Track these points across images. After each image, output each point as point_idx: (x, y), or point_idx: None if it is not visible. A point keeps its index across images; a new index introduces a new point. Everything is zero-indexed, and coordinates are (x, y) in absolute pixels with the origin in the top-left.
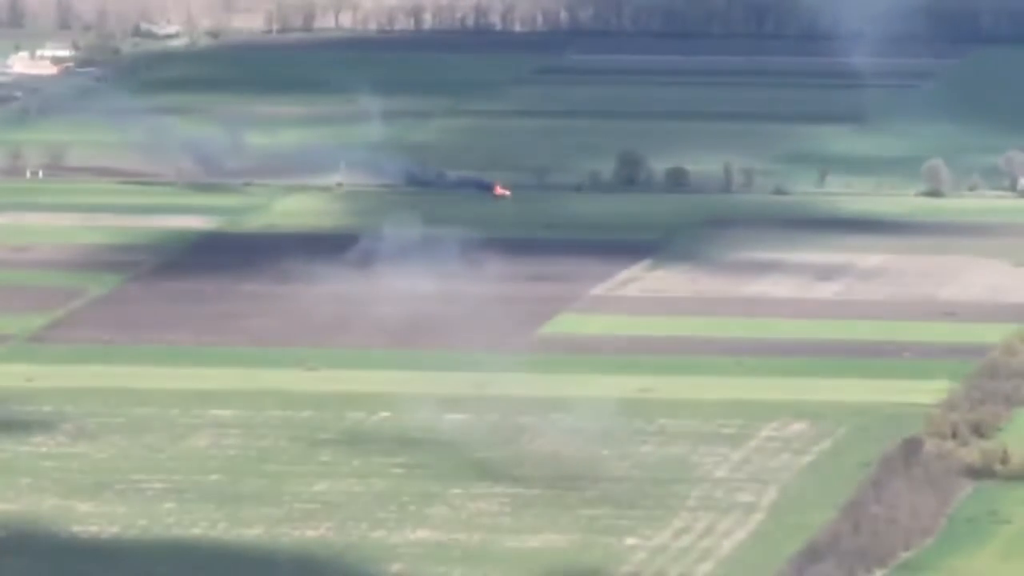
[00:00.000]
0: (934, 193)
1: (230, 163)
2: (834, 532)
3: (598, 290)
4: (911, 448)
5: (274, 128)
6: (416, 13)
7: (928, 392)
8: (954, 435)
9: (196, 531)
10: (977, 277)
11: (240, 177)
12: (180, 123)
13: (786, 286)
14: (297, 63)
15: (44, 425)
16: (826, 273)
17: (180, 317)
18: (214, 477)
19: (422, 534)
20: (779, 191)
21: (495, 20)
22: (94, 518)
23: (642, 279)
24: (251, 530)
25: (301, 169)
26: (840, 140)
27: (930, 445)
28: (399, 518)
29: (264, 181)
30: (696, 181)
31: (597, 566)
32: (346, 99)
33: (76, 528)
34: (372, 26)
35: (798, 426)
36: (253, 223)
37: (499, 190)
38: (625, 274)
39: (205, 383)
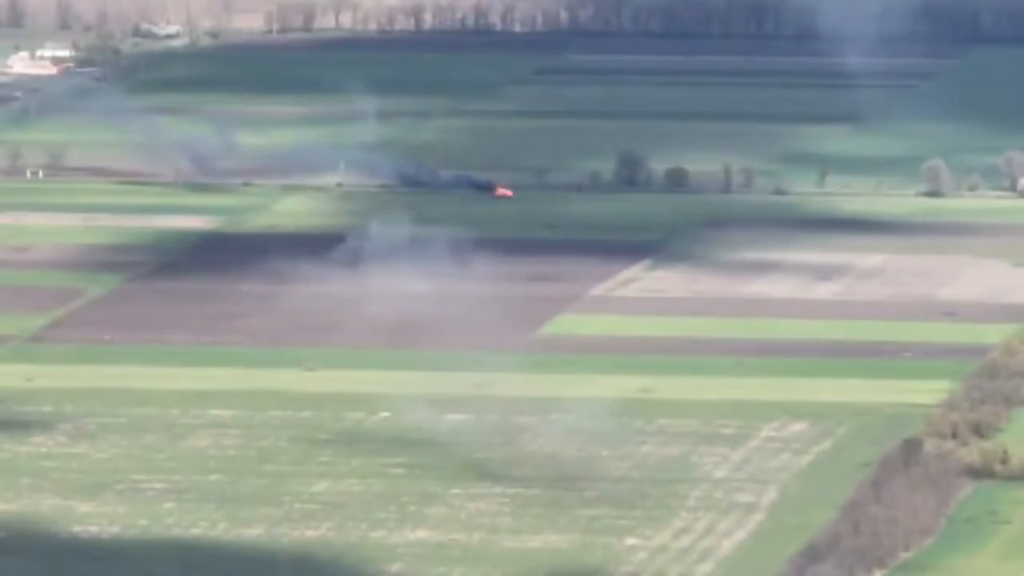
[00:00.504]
0: (934, 193)
1: (225, 163)
2: (834, 532)
3: (598, 290)
4: (911, 448)
5: (273, 128)
6: (416, 13)
7: (928, 392)
8: (954, 435)
9: (196, 531)
10: (977, 277)
11: (237, 177)
12: (179, 124)
13: (786, 286)
14: (297, 63)
15: (44, 425)
16: (826, 273)
17: (180, 317)
18: (214, 477)
19: (422, 534)
20: (779, 191)
21: (495, 20)
22: (94, 518)
23: (642, 279)
24: (251, 530)
25: (295, 169)
26: (840, 140)
27: (930, 445)
28: (399, 518)
29: (264, 181)
30: (696, 181)
31: (597, 566)
32: (345, 99)
33: (76, 528)
34: (372, 26)
35: (798, 426)
36: (253, 223)
37: (501, 190)
38: (625, 274)
39: (205, 383)
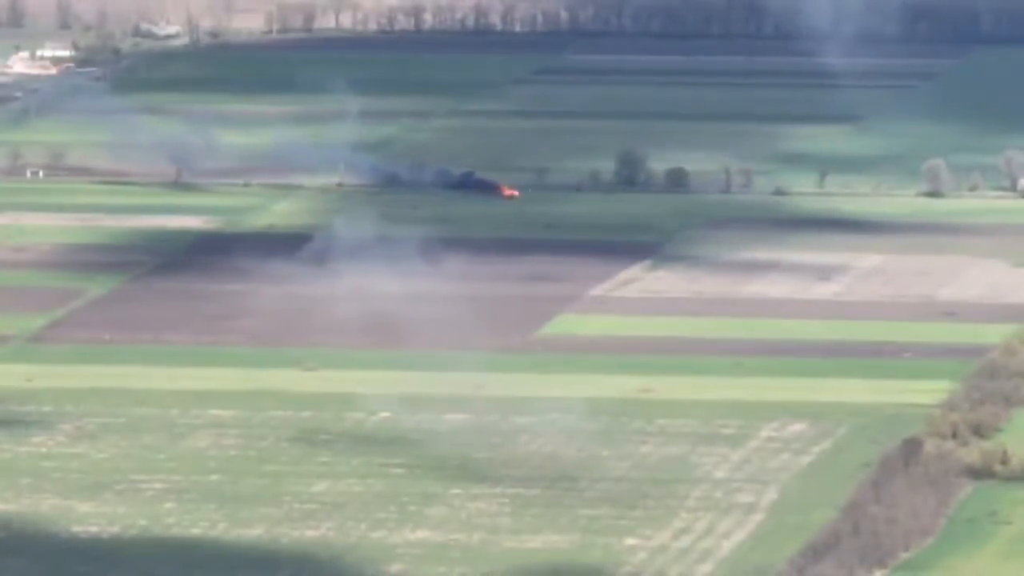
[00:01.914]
0: (934, 193)
1: (207, 163)
2: (834, 532)
3: (598, 290)
4: (911, 448)
5: (257, 127)
6: (416, 13)
7: (928, 392)
8: (954, 435)
9: (196, 531)
10: (977, 277)
11: (221, 177)
12: (169, 124)
13: (785, 286)
14: (297, 63)
15: (44, 425)
16: (825, 273)
17: (179, 317)
18: (214, 477)
19: (422, 534)
20: (778, 191)
21: (495, 20)
22: (94, 518)
23: (642, 279)
24: (251, 530)
25: (277, 168)
26: (839, 140)
27: (930, 445)
28: (399, 518)
29: (263, 181)
30: (696, 181)
31: (597, 566)
32: (334, 99)
33: (76, 528)
34: (372, 26)
35: (798, 426)
36: (252, 223)
37: (507, 191)
38: (625, 274)
39: (204, 383)
